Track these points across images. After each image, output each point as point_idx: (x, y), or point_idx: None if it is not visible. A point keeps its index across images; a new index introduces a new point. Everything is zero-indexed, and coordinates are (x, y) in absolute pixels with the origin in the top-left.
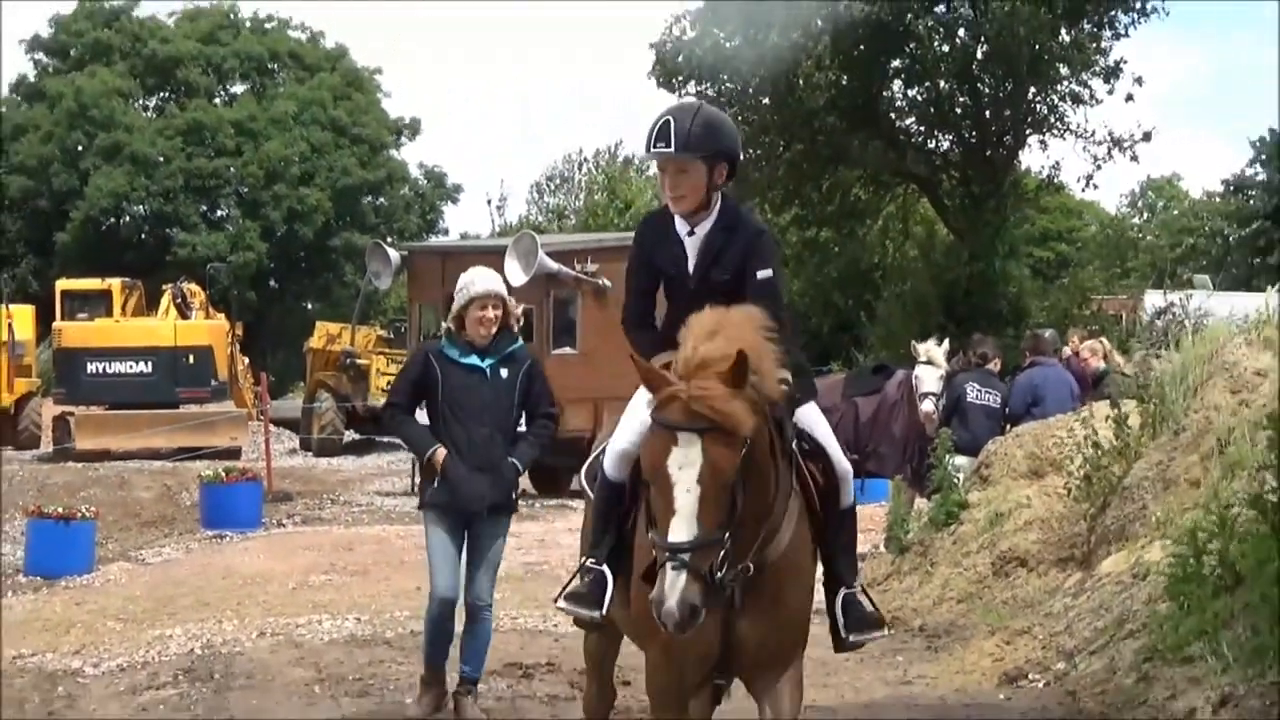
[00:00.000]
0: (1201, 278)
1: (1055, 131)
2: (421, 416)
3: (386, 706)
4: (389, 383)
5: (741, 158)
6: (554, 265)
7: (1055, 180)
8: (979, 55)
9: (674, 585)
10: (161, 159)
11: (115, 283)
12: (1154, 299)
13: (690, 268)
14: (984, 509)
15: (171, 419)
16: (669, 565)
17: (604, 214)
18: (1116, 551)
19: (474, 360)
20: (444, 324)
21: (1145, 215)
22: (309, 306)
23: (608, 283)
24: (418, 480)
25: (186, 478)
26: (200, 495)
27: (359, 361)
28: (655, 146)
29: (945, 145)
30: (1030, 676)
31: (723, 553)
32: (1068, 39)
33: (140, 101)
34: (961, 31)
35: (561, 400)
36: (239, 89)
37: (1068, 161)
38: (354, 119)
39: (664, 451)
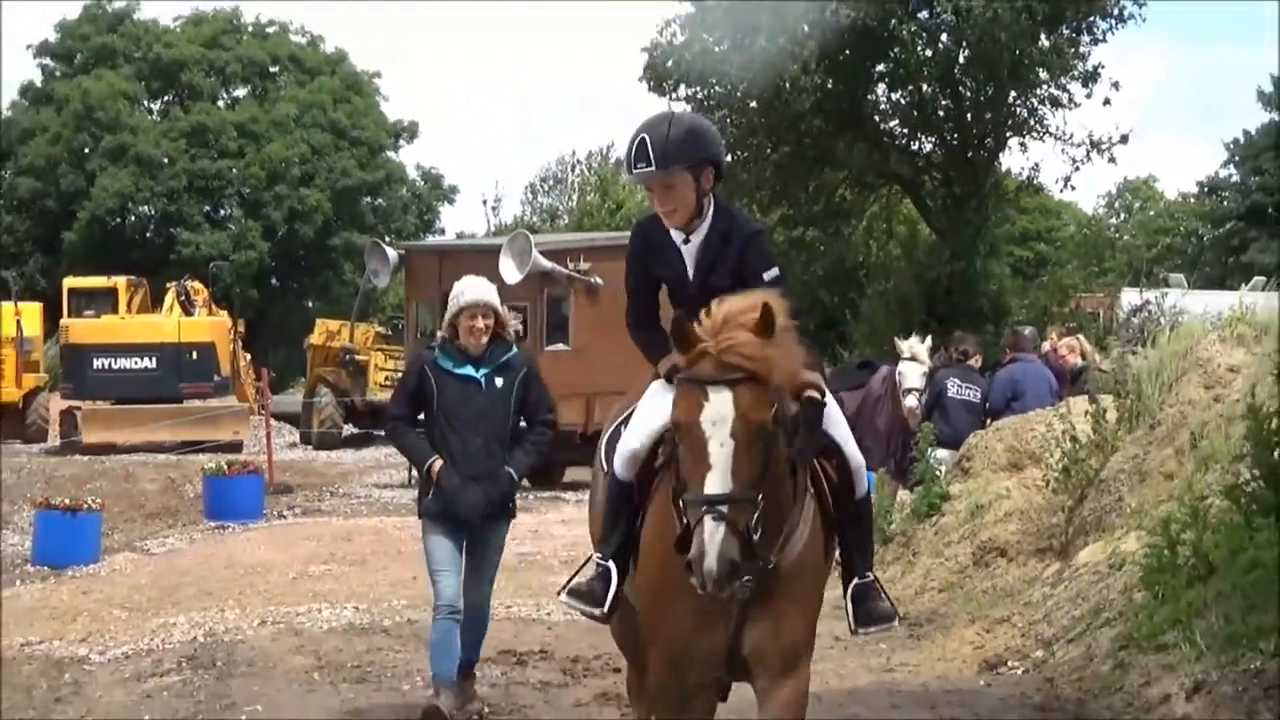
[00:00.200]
0: (1176, 276)
1: (1035, 134)
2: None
3: (384, 693)
4: (387, 378)
5: (727, 158)
6: (547, 264)
7: (1035, 181)
8: (961, 60)
9: (713, 538)
10: (166, 160)
11: (121, 281)
12: (1130, 297)
13: (690, 274)
14: (965, 501)
15: (175, 413)
16: (707, 518)
17: (596, 214)
18: (1093, 542)
19: (468, 370)
20: (438, 334)
21: (1122, 216)
22: (309, 304)
23: (600, 280)
24: (413, 480)
25: (190, 470)
26: (203, 487)
27: (358, 358)
28: (636, 168)
29: (928, 147)
30: (1009, 664)
31: (756, 514)
32: (1047, 44)
33: (145, 104)
34: (944, 37)
35: (555, 395)
36: (241, 92)
37: (1047, 163)
38: (353, 122)
39: (696, 408)
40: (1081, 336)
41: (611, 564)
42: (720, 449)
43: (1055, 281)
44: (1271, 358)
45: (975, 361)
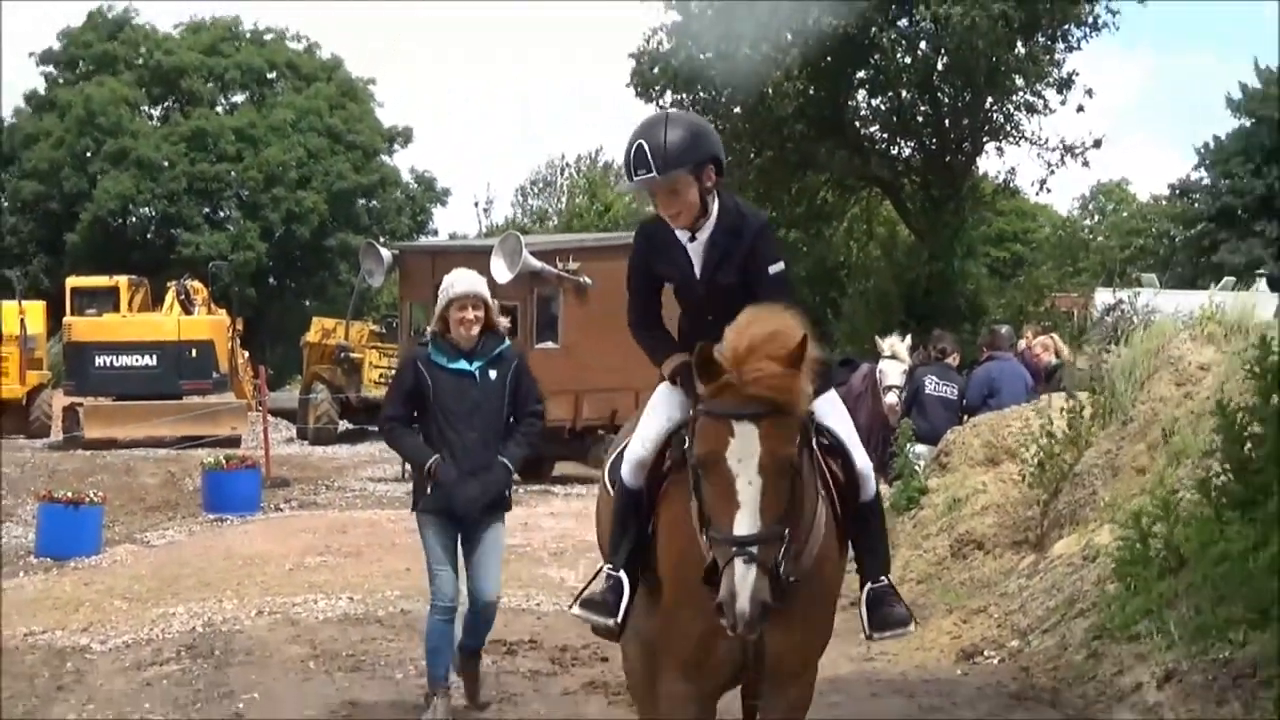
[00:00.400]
0: (1149, 277)
1: (1011, 139)
2: None
3: (379, 682)
4: (381, 375)
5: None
6: (537, 264)
7: (1011, 184)
8: (939, 67)
9: (744, 580)
10: (166, 163)
11: (122, 280)
12: (1104, 297)
13: (696, 272)
14: (943, 495)
15: (175, 409)
16: (738, 560)
17: (585, 215)
18: (1068, 535)
19: (462, 364)
20: (429, 329)
21: (1096, 218)
22: (306, 303)
23: (588, 280)
24: (407, 475)
25: (189, 465)
26: (202, 481)
27: (353, 355)
28: (637, 175)
29: (907, 151)
30: (986, 653)
31: (784, 548)
32: (1023, 52)
33: (146, 110)
34: (923, 44)
35: (544, 391)
36: (239, 98)
37: (1022, 167)
38: (348, 126)
39: (721, 443)
40: (1056, 335)
41: (623, 574)
42: (748, 486)
43: (1031, 281)
44: (1241, 356)
45: (953, 359)
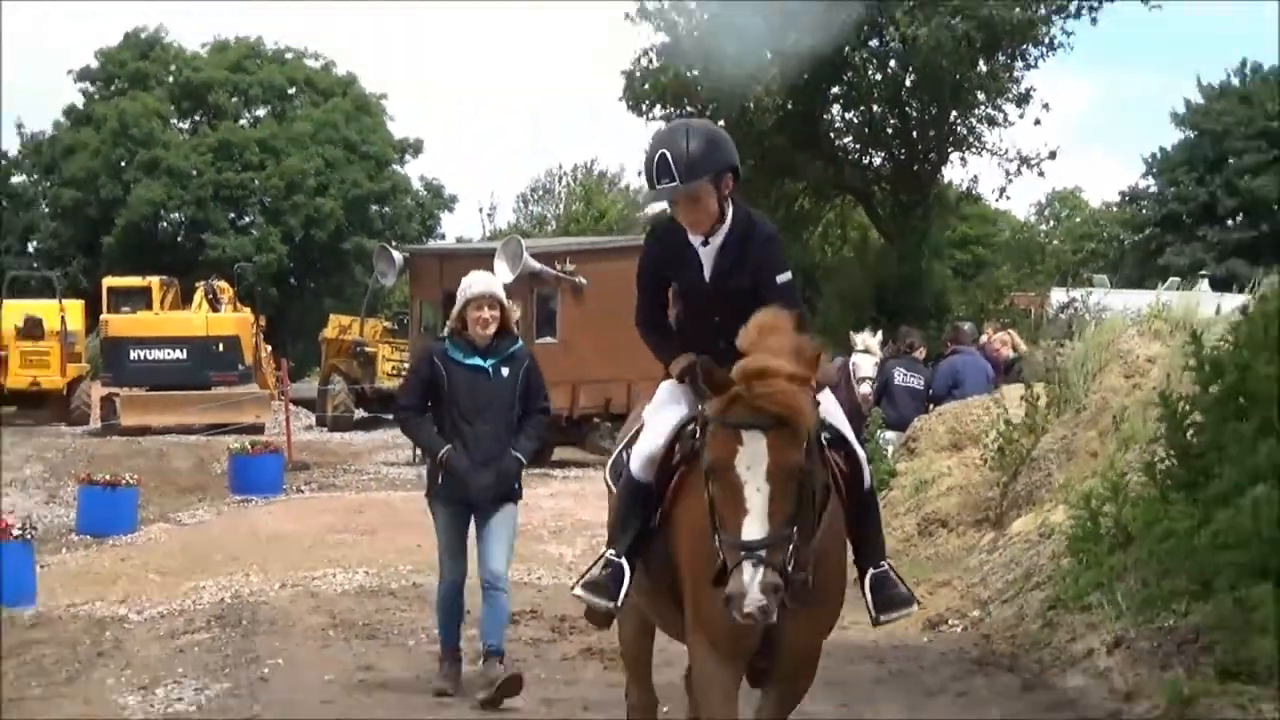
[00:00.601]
0: (1100, 277)
1: (973, 149)
2: None
3: (392, 648)
4: (393, 367)
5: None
6: (537, 265)
7: (973, 192)
8: (907, 83)
9: (752, 581)
10: (194, 172)
11: (154, 280)
12: (1059, 296)
13: (706, 275)
14: (910, 477)
15: (204, 399)
16: (746, 563)
17: (581, 221)
18: (1025, 514)
19: (477, 361)
20: (447, 325)
21: (1051, 223)
22: (324, 301)
23: (583, 280)
24: (418, 459)
25: (217, 450)
26: (229, 465)
27: (367, 349)
28: (660, 183)
29: (878, 161)
30: (950, 622)
31: (791, 547)
32: (984, 69)
33: (176, 122)
34: (892, 63)
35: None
36: (262, 111)
37: (984, 176)
38: (363, 138)
39: (730, 451)
40: (1014, 331)
41: (624, 561)
42: (756, 494)
43: (991, 282)
44: (1183, 350)
45: (920, 353)
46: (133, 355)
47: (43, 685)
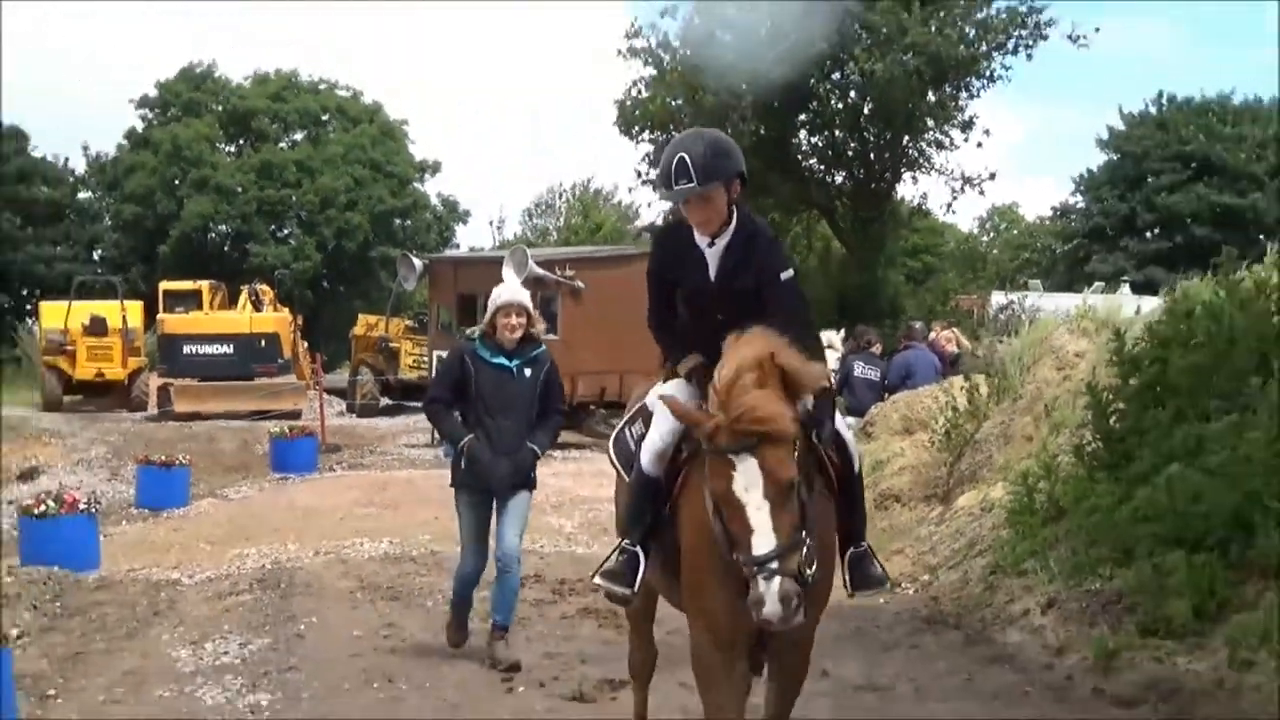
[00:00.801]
0: (1035, 282)
1: (924, 170)
2: None
3: (412, 609)
4: (414, 361)
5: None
6: (540, 271)
7: (923, 207)
8: (866, 111)
9: (770, 591)
10: (239, 190)
11: (204, 284)
12: (998, 298)
13: (712, 275)
14: (867, 458)
15: (248, 389)
16: (760, 577)
17: (579, 232)
18: (969, 490)
19: (503, 360)
20: (479, 328)
21: (991, 234)
22: (353, 303)
23: (581, 284)
24: (436, 441)
25: (259, 434)
26: (270, 447)
27: (391, 345)
28: (678, 184)
29: (840, 180)
30: (903, 585)
31: (805, 550)
32: (933, 99)
33: (223, 145)
34: (852, 93)
35: None
36: (299, 136)
37: (933, 193)
38: (387, 159)
39: (726, 478)
40: (959, 330)
41: (639, 550)
42: (758, 512)
43: (939, 286)
44: (1107, 347)
45: (876, 349)
46: (185, 350)
47: (106, 640)
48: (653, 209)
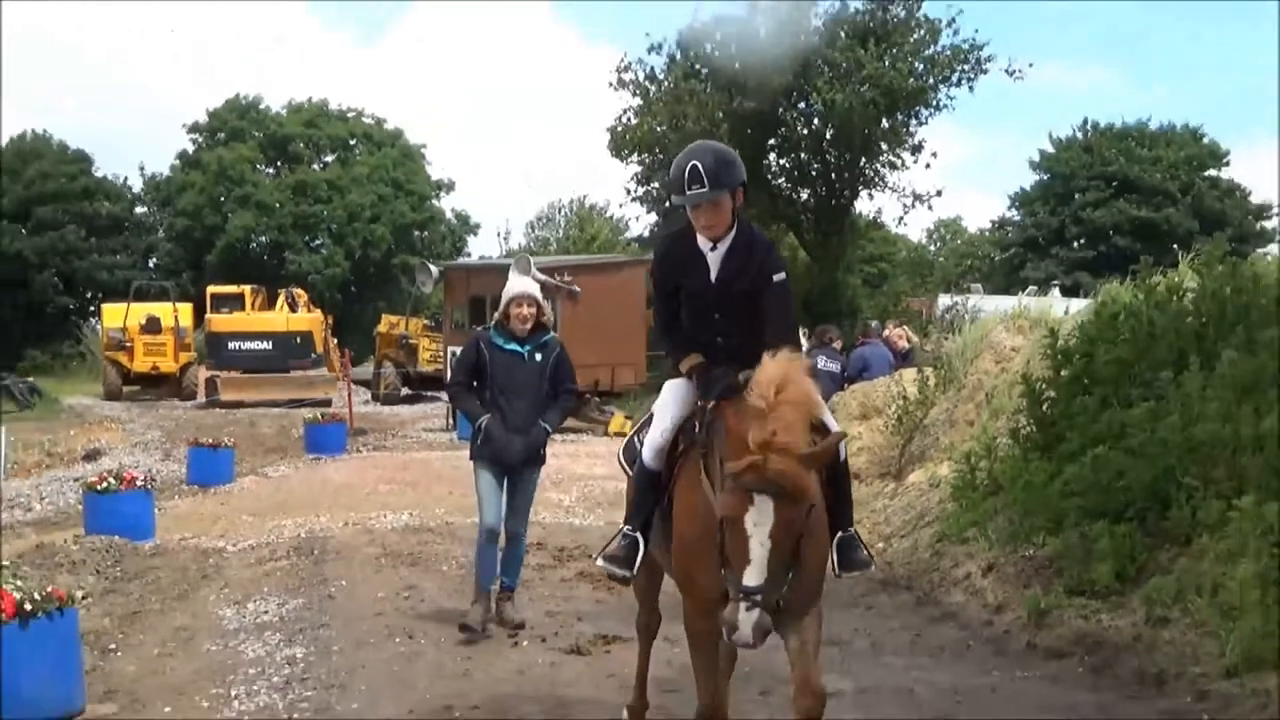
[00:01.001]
0: (976, 286)
1: (878, 188)
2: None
3: (430, 573)
4: (431, 355)
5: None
6: (542, 277)
7: (878, 220)
8: (828, 136)
9: (746, 620)
10: (277, 205)
11: (247, 288)
12: (944, 300)
13: (713, 277)
14: None
15: (285, 380)
16: (742, 604)
17: (577, 243)
18: (919, 469)
19: (515, 347)
20: (494, 317)
21: (938, 244)
22: (377, 304)
23: (578, 289)
24: (450, 425)
25: (295, 419)
26: (304, 431)
27: (411, 341)
28: (691, 190)
29: (805, 197)
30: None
31: (785, 588)
32: (887, 126)
33: (263, 167)
34: (816, 120)
35: None
36: (330, 158)
37: (887, 208)
38: (408, 179)
39: (741, 508)
40: (908, 328)
41: (639, 535)
42: (760, 547)
43: (892, 290)
44: (1040, 342)
45: (836, 344)
46: (230, 346)
47: (160, 600)
48: (640, 222)
